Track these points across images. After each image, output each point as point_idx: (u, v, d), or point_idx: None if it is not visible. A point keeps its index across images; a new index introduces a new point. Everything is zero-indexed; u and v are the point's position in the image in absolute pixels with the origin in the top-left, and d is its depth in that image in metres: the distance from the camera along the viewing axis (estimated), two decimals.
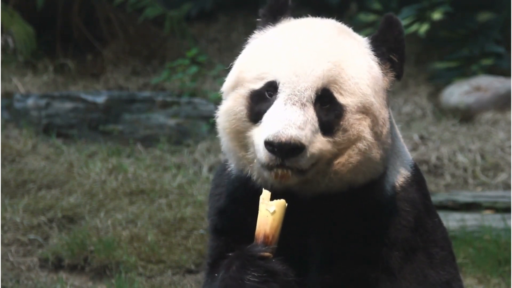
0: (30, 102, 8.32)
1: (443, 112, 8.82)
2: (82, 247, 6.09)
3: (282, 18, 3.27)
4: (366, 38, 3.26)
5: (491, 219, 6.59)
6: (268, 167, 3.01)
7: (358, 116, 3.07)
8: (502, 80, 8.91)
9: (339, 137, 3.05)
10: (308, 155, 2.98)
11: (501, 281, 5.86)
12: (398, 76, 3.24)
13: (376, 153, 3.09)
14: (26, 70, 9.02)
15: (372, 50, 3.20)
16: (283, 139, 2.94)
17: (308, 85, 3.03)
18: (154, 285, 5.85)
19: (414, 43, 9.72)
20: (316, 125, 3.02)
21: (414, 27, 9.11)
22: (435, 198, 6.66)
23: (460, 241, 6.21)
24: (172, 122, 8.37)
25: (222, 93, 3.25)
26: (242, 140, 3.13)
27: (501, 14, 9.54)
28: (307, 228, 3.16)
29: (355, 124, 3.06)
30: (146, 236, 6.23)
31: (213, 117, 9.68)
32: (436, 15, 9.16)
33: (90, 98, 8.42)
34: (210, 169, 7.55)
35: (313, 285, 3.15)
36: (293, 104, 3.01)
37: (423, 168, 7.61)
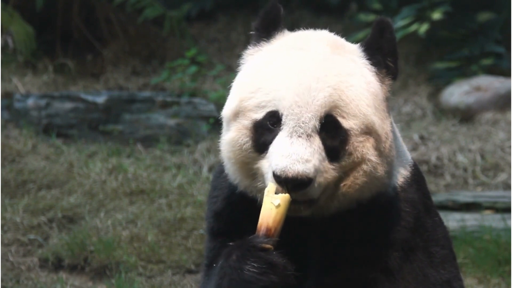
0: (30, 102, 8.33)
1: (443, 112, 8.82)
2: (82, 247, 6.09)
3: (275, 32, 3.23)
4: (358, 45, 3.23)
5: (491, 219, 6.59)
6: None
7: (361, 138, 3.07)
8: (502, 80, 8.91)
9: (345, 161, 3.06)
10: (316, 185, 2.99)
11: (501, 281, 5.86)
12: (394, 78, 3.24)
13: (382, 171, 3.10)
14: (26, 70, 9.02)
15: (367, 59, 3.19)
16: (290, 175, 2.94)
17: (312, 115, 3.02)
18: (154, 285, 5.85)
19: (414, 43, 9.72)
20: (323, 153, 3.02)
21: (414, 27, 9.11)
22: (435, 198, 6.65)
23: (460, 241, 6.21)
24: (172, 122, 8.37)
25: (221, 118, 3.22)
26: (249, 170, 3.12)
27: (501, 14, 9.54)
28: (306, 229, 3.16)
29: (359, 147, 3.06)
30: (146, 236, 6.23)
31: (213, 117, 9.65)
32: (436, 15, 9.16)
33: (90, 98, 8.42)
34: (210, 169, 7.55)
35: (312, 286, 3.16)
36: (298, 136, 3.00)
37: (423, 168, 7.61)
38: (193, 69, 8.87)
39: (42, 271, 6.07)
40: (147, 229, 6.30)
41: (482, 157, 7.87)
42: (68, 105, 8.37)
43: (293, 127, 3.02)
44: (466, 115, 8.71)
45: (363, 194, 3.11)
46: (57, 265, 6.12)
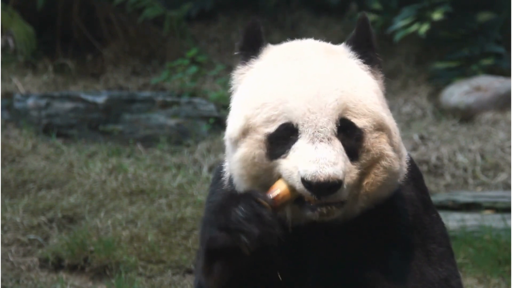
0: (30, 102, 8.33)
1: (443, 112, 8.82)
2: (82, 247, 6.09)
3: (261, 48, 3.22)
4: (343, 45, 3.23)
5: (491, 219, 6.59)
6: (310, 207, 3.01)
7: (376, 134, 3.08)
8: (502, 80, 8.91)
9: (364, 159, 3.06)
10: (345, 187, 2.98)
11: (501, 281, 5.86)
12: (382, 71, 3.27)
13: (398, 166, 3.12)
14: (26, 70, 9.03)
15: (359, 58, 3.20)
16: (322, 179, 2.92)
17: (328, 119, 3.02)
18: (154, 285, 5.85)
19: (414, 43, 9.72)
20: (345, 154, 3.02)
21: (414, 27, 9.11)
22: (435, 198, 6.65)
23: (460, 241, 6.21)
24: (172, 122, 8.37)
25: (226, 140, 3.17)
26: (263, 183, 3.09)
27: (501, 14, 9.54)
28: (306, 227, 3.16)
29: (376, 143, 3.07)
30: (146, 236, 6.23)
31: (213, 117, 9.63)
32: (436, 15, 9.16)
33: (90, 98, 8.42)
34: (210, 169, 7.55)
35: (310, 285, 3.16)
36: (320, 141, 2.99)
37: (423, 168, 7.61)
38: (193, 69, 8.87)
39: (42, 271, 6.07)
40: (147, 229, 6.30)
41: (482, 157, 7.87)
42: (68, 105, 8.37)
43: (313, 133, 3.00)
44: (466, 115, 8.72)
45: (383, 192, 3.11)
46: (57, 265, 6.12)
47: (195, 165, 7.73)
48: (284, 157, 3.04)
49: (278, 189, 3.01)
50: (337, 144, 3.01)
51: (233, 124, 3.14)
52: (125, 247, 6.10)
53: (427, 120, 8.77)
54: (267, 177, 3.08)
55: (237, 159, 3.10)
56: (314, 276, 3.17)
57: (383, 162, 3.08)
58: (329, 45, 3.26)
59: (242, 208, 2.95)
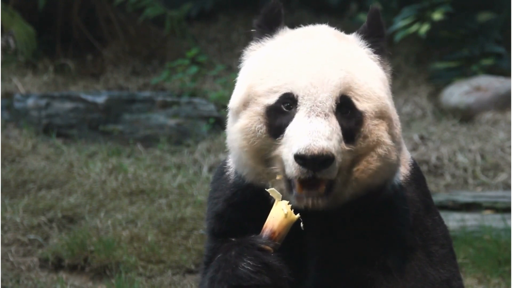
0: (30, 102, 8.33)
1: (443, 112, 8.82)
2: (82, 247, 6.09)
3: (278, 28, 3.24)
4: (354, 34, 3.25)
5: (491, 219, 6.59)
6: (297, 197, 3.00)
7: (376, 121, 3.08)
8: (502, 80, 8.91)
9: (360, 144, 3.06)
10: (336, 165, 2.97)
11: (501, 281, 5.86)
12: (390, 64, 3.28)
13: (395, 156, 3.11)
14: (26, 70, 9.03)
15: (369, 47, 3.20)
16: (316, 152, 2.92)
17: (328, 95, 3.02)
18: (154, 285, 5.85)
19: (414, 43, 9.72)
20: (340, 134, 3.02)
21: (414, 27, 9.11)
22: (435, 198, 6.64)
23: (460, 241, 6.21)
24: (172, 122, 8.37)
25: (229, 109, 3.19)
26: (263, 157, 3.09)
27: (501, 14, 9.54)
28: (306, 227, 3.16)
29: (374, 130, 3.07)
30: (146, 236, 6.23)
31: (213, 117, 9.61)
32: (437, 15, 9.16)
33: (90, 98, 8.42)
34: (210, 169, 7.55)
35: (310, 285, 3.16)
36: (317, 115, 2.99)
37: (423, 168, 7.61)
38: (193, 69, 8.87)
39: (42, 271, 6.06)
40: (147, 229, 6.30)
41: (482, 157, 7.87)
42: (68, 105, 8.37)
43: (311, 106, 3.01)
44: (466, 115, 8.72)
45: (375, 180, 3.10)
46: (57, 265, 6.11)
47: (195, 165, 7.73)
48: (281, 140, 3.03)
49: (271, 225, 3.00)
50: (334, 122, 3.01)
51: (236, 94, 3.16)
52: (125, 247, 6.09)
53: (427, 120, 8.77)
54: (268, 153, 3.08)
55: (237, 129, 3.11)
56: (315, 276, 3.17)
57: (379, 150, 3.07)
58: (340, 32, 3.27)
59: (249, 261, 2.96)
